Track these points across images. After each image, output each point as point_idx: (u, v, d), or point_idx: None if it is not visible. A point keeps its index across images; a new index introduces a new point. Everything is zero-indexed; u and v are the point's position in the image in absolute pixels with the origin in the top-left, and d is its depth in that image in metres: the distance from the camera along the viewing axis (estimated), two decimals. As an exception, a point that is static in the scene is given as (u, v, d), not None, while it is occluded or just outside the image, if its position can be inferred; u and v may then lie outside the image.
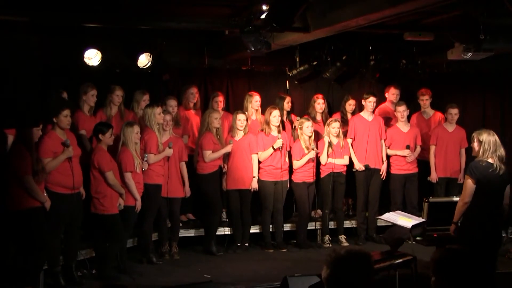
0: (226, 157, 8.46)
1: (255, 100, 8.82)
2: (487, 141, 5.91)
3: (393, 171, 9.09)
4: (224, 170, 8.50)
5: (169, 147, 7.75)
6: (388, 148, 9.07)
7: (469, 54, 8.00)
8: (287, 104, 9.06)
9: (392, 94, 9.46)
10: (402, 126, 9.05)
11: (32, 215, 6.25)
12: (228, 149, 8.29)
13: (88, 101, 7.69)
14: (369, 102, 8.92)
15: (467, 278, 3.14)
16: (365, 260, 2.95)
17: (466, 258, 3.19)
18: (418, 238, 8.31)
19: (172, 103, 8.25)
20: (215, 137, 8.24)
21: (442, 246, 3.36)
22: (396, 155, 9.02)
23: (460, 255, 3.21)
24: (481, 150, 5.93)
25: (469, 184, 5.98)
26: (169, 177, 7.87)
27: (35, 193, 6.24)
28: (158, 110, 7.70)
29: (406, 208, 8.74)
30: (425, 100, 9.48)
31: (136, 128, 7.29)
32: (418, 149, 9.10)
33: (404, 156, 8.96)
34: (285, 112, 9.05)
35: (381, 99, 9.50)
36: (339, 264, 2.92)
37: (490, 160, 5.92)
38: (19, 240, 6.33)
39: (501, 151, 5.92)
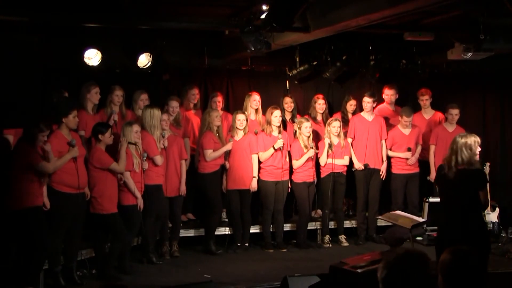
0: (227, 155, 8.45)
1: (253, 99, 8.82)
2: (455, 142, 5.71)
3: (395, 170, 9.09)
4: (227, 167, 8.49)
5: (163, 136, 7.76)
6: (390, 149, 9.06)
7: (469, 54, 8.01)
8: (285, 105, 9.04)
9: (386, 95, 9.46)
10: (404, 128, 9.04)
11: (32, 214, 6.25)
12: (228, 147, 8.28)
13: (92, 99, 7.71)
14: (368, 103, 8.91)
15: (474, 280, 3.12)
16: (423, 262, 2.93)
17: (473, 260, 3.17)
18: (418, 238, 8.32)
19: (174, 104, 8.24)
20: (216, 136, 8.24)
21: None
22: (398, 157, 9.02)
23: (467, 256, 3.16)
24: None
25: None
26: (168, 176, 7.88)
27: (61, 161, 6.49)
28: (157, 113, 7.69)
29: (407, 208, 8.74)
30: (425, 100, 9.48)
31: (135, 127, 7.29)
32: (419, 148, 9.09)
33: (406, 158, 8.97)
34: (286, 113, 9.04)
35: (380, 99, 9.50)
36: (397, 266, 2.91)
37: (452, 164, 5.64)
38: (19, 240, 6.33)
39: (464, 155, 5.58)
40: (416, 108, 9.65)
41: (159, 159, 7.62)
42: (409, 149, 8.93)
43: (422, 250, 3.17)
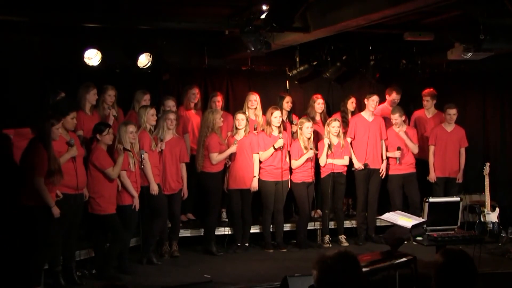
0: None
1: (248, 99, 8.82)
2: None
3: (390, 172, 9.06)
4: (228, 165, 8.49)
5: (161, 139, 7.75)
6: (386, 150, 9.04)
7: (469, 54, 8.01)
8: (286, 104, 9.05)
9: (393, 98, 9.43)
10: (397, 128, 9.01)
11: (43, 212, 6.26)
12: (233, 149, 8.27)
13: (90, 100, 7.71)
14: (372, 101, 8.90)
15: (466, 282, 3.10)
16: (351, 262, 2.96)
17: (466, 261, 3.16)
18: (418, 238, 8.30)
19: (170, 103, 8.26)
20: (220, 137, 8.25)
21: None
22: (389, 157, 9.01)
23: (461, 257, 3.15)
24: None
25: None
26: (168, 176, 7.88)
27: (44, 196, 6.26)
28: (151, 111, 7.69)
29: (408, 209, 8.70)
30: (426, 101, 9.47)
31: (131, 128, 7.24)
32: (411, 144, 9.07)
33: (395, 158, 8.93)
34: (285, 112, 9.05)
35: (381, 99, 9.49)
36: (326, 267, 2.94)
37: None
38: (25, 236, 6.33)
39: None
40: (417, 107, 9.67)
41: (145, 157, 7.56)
42: (398, 148, 8.90)
43: (408, 251, 3.16)
